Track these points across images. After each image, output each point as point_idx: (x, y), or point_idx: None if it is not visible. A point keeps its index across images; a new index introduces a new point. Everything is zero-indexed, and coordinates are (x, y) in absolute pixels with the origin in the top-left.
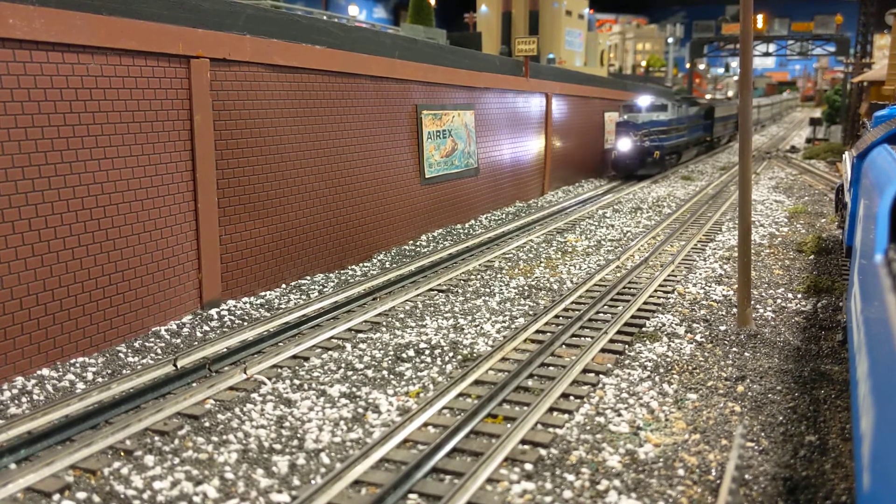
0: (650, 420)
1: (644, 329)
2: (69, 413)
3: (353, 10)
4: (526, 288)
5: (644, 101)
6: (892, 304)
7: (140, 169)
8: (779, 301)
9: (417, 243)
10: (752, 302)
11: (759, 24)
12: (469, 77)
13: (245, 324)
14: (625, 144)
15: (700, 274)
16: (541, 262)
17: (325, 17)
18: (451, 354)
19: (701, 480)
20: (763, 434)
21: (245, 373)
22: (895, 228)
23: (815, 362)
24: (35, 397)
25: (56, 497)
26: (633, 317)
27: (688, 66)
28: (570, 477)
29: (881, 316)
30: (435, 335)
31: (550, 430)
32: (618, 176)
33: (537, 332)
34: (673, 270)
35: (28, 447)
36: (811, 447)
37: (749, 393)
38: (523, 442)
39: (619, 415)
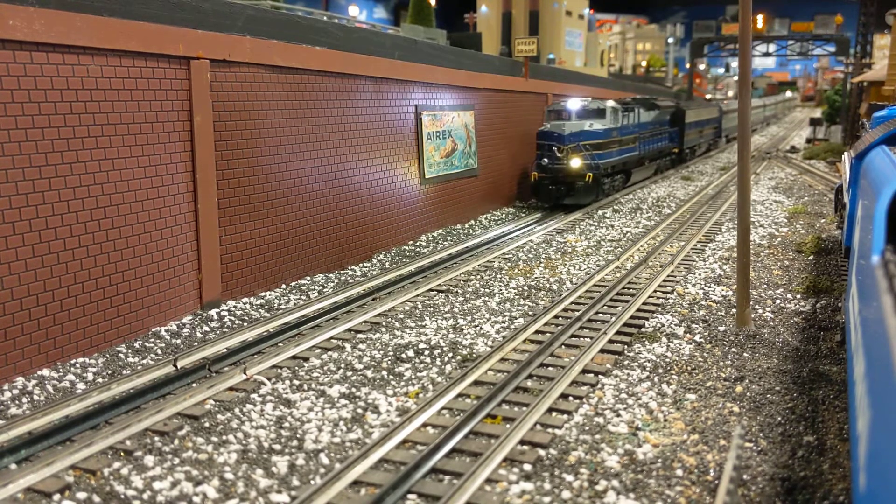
0: (649, 420)
1: (643, 329)
2: (69, 413)
3: (353, 11)
4: (525, 288)
5: (574, 104)
6: (889, 304)
7: (140, 170)
8: (778, 301)
9: (417, 243)
10: (752, 302)
11: (759, 25)
12: (469, 78)
13: (245, 324)
14: (546, 162)
15: (699, 274)
16: (540, 263)
17: (325, 18)
18: (450, 355)
19: (699, 481)
20: (761, 434)
21: (245, 373)
22: (892, 229)
23: (813, 363)
24: (35, 398)
25: (56, 497)
26: (632, 317)
27: (688, 66)
28: (569, 477)
29: (878, 316)
30: (434, 335)
31: (549, 430)
32: (540, 204)
33: (537, 332)
34: (672, 271)
35: (28, 447)
36: (809, 447)
37: (748, 393)
38: (522, 442)
39: (618, 415)
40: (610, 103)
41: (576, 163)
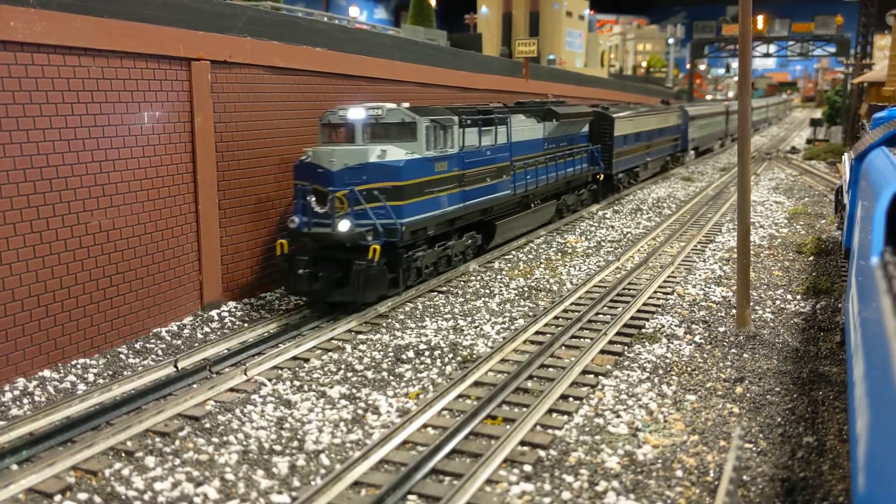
0: (649, 421)
1: (643, 330)
2: (70, 414)
3: (353, 12)
4: (526, 289)
5: (357, 113)
6: (888, 305)
7: (141, 171)
8: (778, 302)
9: None
10: (752, 303)
11: (760, 25)
12: (469, 79)
13: (245, 325)
14: (298, 223)
15: (699, 275)
16: (541, 264)
17: (325, 19)
18: (450, 356)
19: (699, 481)
20: (761, 435)
21: (245, 374)
22: (892, 231)
23: (813, 364)
24: (36, 398)
25: (57, 498)
26: (632, 318)
27: (688, 66)
28: (569, 478)
29: (877, 317)
30: (434, 336)
31: (549, 431)
32: (299, 298)
33: (537, 333)
34: (672, 272)
35: (30, 448)
36: (809, 448)
37: (747, 394)
38: (522, 443)
39: (618, 416)
40: (430, 112)
41: (345, 225)
